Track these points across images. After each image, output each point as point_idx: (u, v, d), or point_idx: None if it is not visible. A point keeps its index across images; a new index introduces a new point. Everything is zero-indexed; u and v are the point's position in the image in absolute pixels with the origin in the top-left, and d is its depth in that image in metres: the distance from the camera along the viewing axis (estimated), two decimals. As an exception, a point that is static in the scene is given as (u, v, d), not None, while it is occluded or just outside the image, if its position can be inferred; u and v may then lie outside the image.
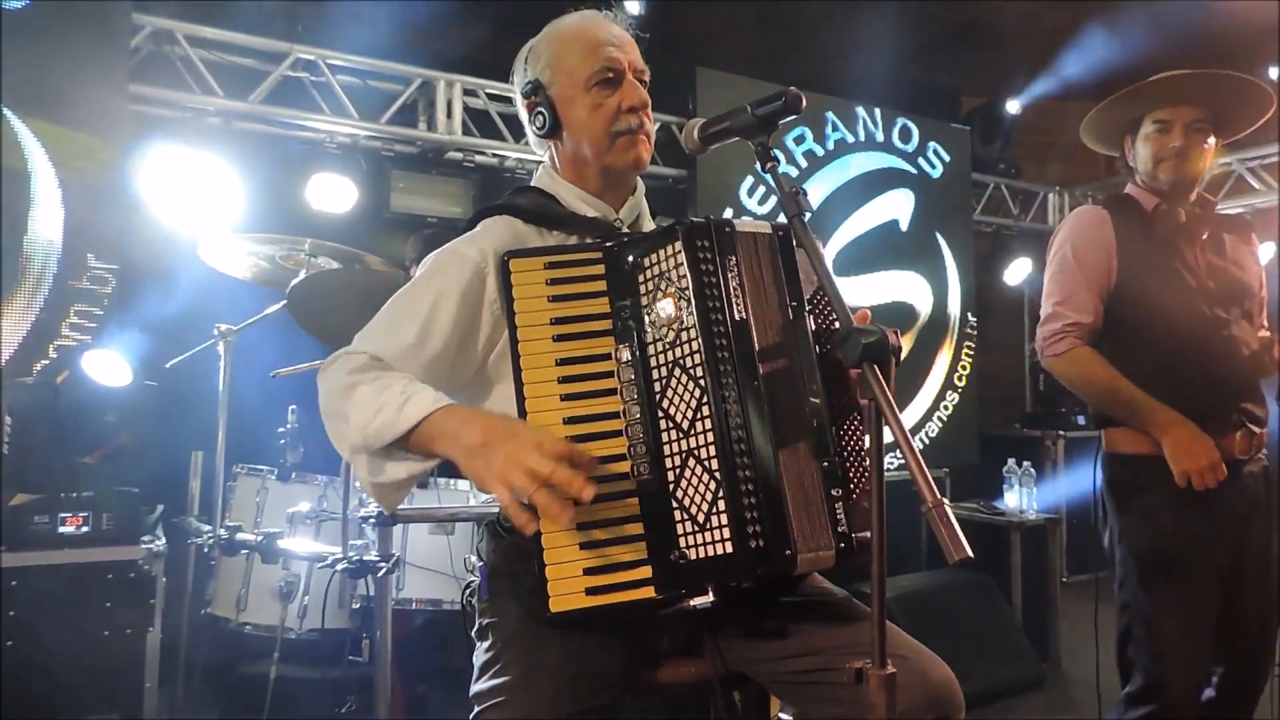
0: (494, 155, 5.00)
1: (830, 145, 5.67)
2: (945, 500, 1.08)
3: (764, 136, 1.44)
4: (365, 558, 2.71)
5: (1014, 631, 4.12)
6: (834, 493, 1.43)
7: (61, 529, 2.79)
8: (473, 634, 1.61)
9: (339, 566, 2.71)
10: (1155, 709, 2.31)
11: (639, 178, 1.79)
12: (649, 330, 1.46)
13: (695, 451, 1.40)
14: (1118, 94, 2.47)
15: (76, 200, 3.67)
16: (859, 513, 1.52)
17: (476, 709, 1.47)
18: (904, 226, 5.98)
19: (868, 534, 1.50)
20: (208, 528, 3.16)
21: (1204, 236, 2.46)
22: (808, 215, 1.38)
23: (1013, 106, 6.52)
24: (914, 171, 6.04)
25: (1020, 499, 4.55)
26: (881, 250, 5.78)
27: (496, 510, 1.68)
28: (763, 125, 1.44)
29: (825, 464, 1.43)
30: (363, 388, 1.46)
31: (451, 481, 3.32)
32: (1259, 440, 2.40)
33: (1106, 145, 2.65)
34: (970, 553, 1.05)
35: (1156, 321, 2.38)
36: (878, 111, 5.88)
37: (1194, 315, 2.39)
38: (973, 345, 6.29)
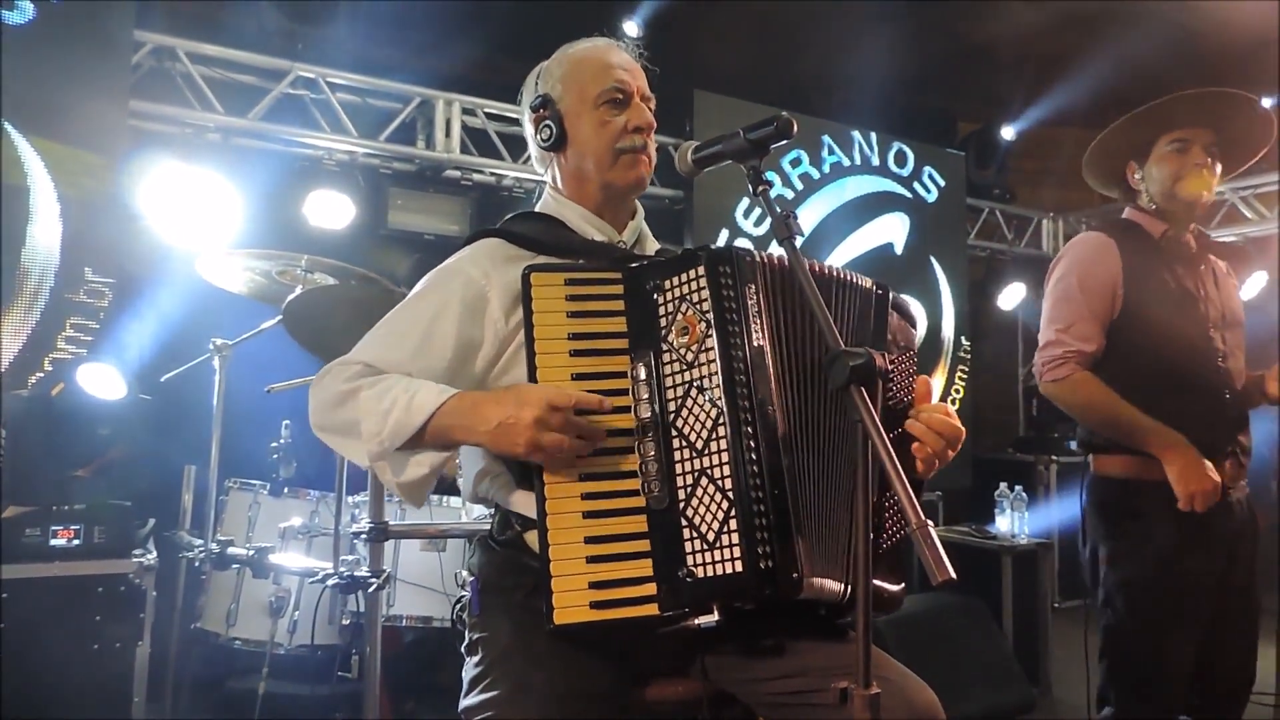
0: (491, 174, 5.03)
1: (826, 168, 5.71)
2: (929, 522, 1.09)
3: (756, 160, 1.47)
4: (356, 573, 2.70)
5: (1005, 656, 4.10)
6: None
7: (53, 542, 2.79)
8: (463, 649, 1.61)
9: (330, 582, 2.70)
10: None
11: (638, 201, 1.81)
12: (666, 351, 1.47)
13: (709, 471, 1.41)
14: (1134, 112, 2.43)
15: (75, 214, 3.69)
16: (884, 558, 1.54)
17: (464, 723, 1.47)
18: (899, 250, 6.02)
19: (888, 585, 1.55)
20: (199, 542, 3.15)
21: (1201, 267, 2.47)
22: (799, 239, 1.40)
23: (1008, 132, 6.57)
24: (909, 195, 6.08)
25: (1012, 523, 4.55)
26: (876, 273, 5.64)
27: (489, 525, 1.69)
28: (754, 149, 1.46)
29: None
30: (364, 393, 1.47)
31: (443, 499, 3.33)
32: (1245, 469, 2.42)
33: (1105, 177, 2.61)
34: (953, 574, 1.06)
35: (1162, 351, 2.37)
36: (874, 135, 5.93)
37: (1198, 345, 2.39)
38: (966, 369, 6.31)
